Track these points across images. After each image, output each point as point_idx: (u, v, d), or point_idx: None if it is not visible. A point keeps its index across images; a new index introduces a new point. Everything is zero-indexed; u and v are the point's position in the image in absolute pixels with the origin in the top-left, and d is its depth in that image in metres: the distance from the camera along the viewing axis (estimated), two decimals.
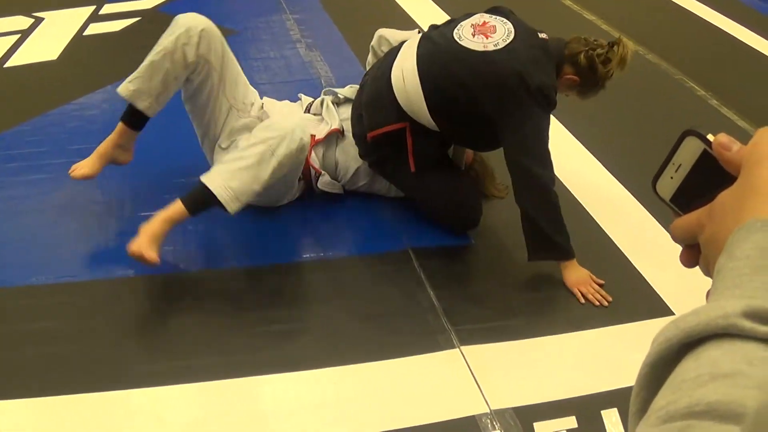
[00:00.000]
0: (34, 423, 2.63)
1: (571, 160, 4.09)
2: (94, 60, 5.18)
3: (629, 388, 0.67)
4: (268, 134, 3.29)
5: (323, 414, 2.71)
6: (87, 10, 5.86)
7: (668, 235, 0.85)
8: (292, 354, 2.93)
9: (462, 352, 2.94)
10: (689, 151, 0.85)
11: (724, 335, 0.62)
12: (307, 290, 3.32)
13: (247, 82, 3.76)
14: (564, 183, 3.78)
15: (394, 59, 3.52)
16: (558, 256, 3.35)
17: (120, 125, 3.58)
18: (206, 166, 3.70)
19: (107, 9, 5.93)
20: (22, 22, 5.59)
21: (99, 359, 2.87)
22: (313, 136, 3.64)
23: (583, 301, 3.24)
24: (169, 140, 4.08)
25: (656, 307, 3.21)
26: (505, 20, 3.42)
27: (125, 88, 3.50)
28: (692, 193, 0.84)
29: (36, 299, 3.12)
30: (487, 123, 3.36)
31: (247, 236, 3.58)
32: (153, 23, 5.68)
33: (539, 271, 3.40)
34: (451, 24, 3.52)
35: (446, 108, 3.40)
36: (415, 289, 3.27)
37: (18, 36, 5.36)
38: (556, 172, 3.34)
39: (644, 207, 3.73)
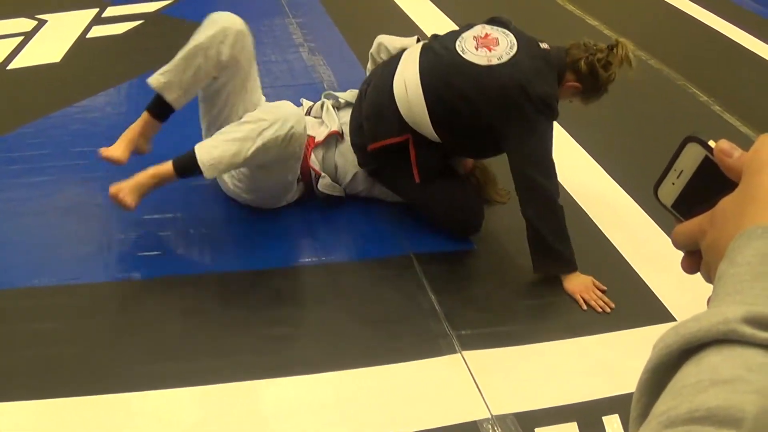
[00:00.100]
0: (35, 425, 2.63)
1: (574, 165, 4.09)
2: (97, 62, 5.18)
3: (630, 394, 0.67)
4: (262, 116, 3.34)
5: (324, 418, 2.70)
6: (90, 13, 5.86)
7: (670, 241, 0.85)
8: (293, 358, 2.93)
9: (463, 357, 2.93)
10: (691, 158, 0.85)
11: (725, 341, 0.62)
12: (309, 294, 3.32)
13: (260, 86, 3.78)
14: (566, 188, 3.78)
15: (395, 69, 3.52)
16: (562, 268, 3.35)
17: (145, 115, 3.56)
18: None
19: (110, 12, 5.93)
20: (25, 24, 5.59)
21: (100, 361, 2.87)
22: (312, 137, 3.64)
23: (585, 307, 3.24)
24: (172, 142, 4.07)
25: (658, 313, 3.21)
26: (506, 32, 3.44)
27: (156, 79, 3.50)
28: (694, 200, 0.84)
29: (37, 301, 3.12)
30: (490, 135, 3.38)
31: (249, 240, 3.58)
32: (156, 26, 5.70)
33: (541, 276, 3.39)
34: (453, 35, 3.53)
35: (449, 120, 3.41)
36: (417, 293, 3.27)
37: (21, 38, 5.36)
38: (559, 177, 3.35)
39: (646, 213, 3.73)
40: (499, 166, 3.71)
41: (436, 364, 2.92)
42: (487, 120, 3.34)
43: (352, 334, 3.06)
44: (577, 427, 2.70)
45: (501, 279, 3.44)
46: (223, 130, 3.40)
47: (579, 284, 3.31)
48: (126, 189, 3.27)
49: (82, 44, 5.37)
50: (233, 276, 3.35)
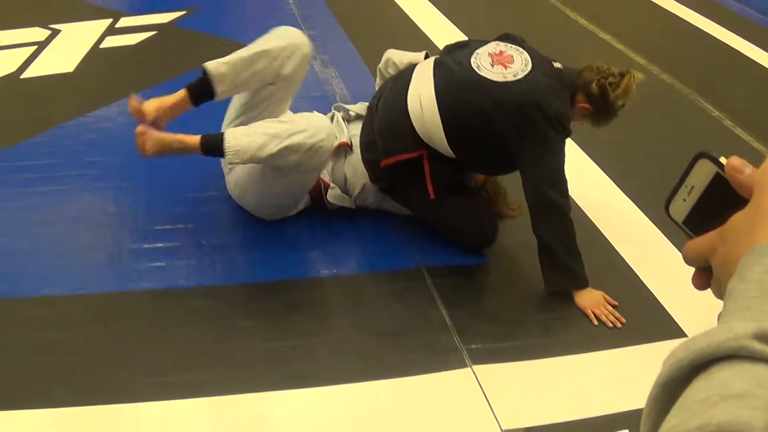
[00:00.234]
0: None
1: (585, 180, 4.09)
2: (110, 73, 5.19)
3: (641, 409, 0.67)
4: (297, 119, 3.40)
5: (333, 431, 2.70)
6: (104, 23, 5.88)
7: (681, 257, 0.85)
8: (302, 370, 2.92)
9: (474, 372, 2.93)
10: (702, 174, 0.85)
11: (735, 357, 0.62)
12: (319, 307, 3.32)
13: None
14: (578, 203, 3.77)
15: (408, 85, 3.53)
16: (574, 284, 3.34)
17: (183, 93, 3.53)
18: (219, 182, 3.72)
19: (124, 22, 5.95)
20: (39, 33, 5.61)
21: (109, 371, 2.87)
22: None
23: (596, 323, 3.23)
24: (185, 156, 4.08)
25: (668, 328, 3.20)
26: (521, 50, 3.47)
27: (216, 66, 3.49)
28: (705, 216, 0.84)
29: (47, 310, 3.12)
30: (504, 151, 3.39)
31: (260, 252, 3.58)
32: (169, 37, 5.72)
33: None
34: (466, 50, 3.55)
35: (464, 136, 3.42)
36: (427, 306, 3.26)
37: (35, 47, 5.38)
38: (571, 192, 3.35)
39: (658, 228, 3.73)
40: (509, 180, 3.71)
41: (446, 378, 2.91)
42: (502, 136, 3.35)
43: (362, 347, 3.06)
44: None
45: (512, 293, 3.44)
46: (256, 123, 3.43)
47: (590, 299, 3.30)
48: (152, 138, 3.32)
49: (96, 54, 5.39)
50: (243, 287, 3.35)
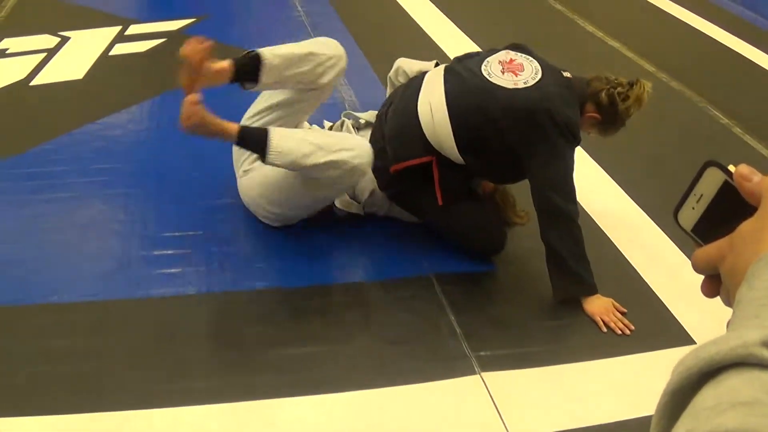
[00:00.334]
0: None
1: (594, 187, 4.09)
2: (119, 80, 5.21)
3: (649, 417, 0.67)
4: (347, 136, 3.43)
5: None
6: (113, 31, 5.90)
7: (690, 264, 0.85)
8: (310, 377, 2.92)
9: (483, 379, 2.92)
10: (710, 182, 0.85)
11: (744, 364, 0.62)
12: (328, 314, 3.31)
13: None
14: (586, 210, 3.78)
15: (418, 92, 3.53)
16: (582, 291, 3.34)
17: (229, 65, 3.40)
18: (229, 189, 3.72)
19: (133, 30, 5.97)
20: (48, 41, 5.63)
21: (118, 378, 2.87)
22: None
23: (605, 329, 3.23)
24: (195, 162, 4.09)
25: (677, 335, 3.20)
26: (530, 58, 3.49)
27: (271, 56, 3.44)
28: (713, 224, 0.84)
29: (57, 317, 3.13)
30: (513, 158, 3.39)
31: (269, 259, 3.58)
32: (178, 45, 5.69)
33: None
34: (476, 59, 3.56)
35: (474, 142, 3.42)
36: (436, 314, 3.26)
37: (44, 54, 5.40)
38: (579, 199, 3.35)
39: (667, 235, 3.72)
40: (518, 187, 3.71)
41: (455, 385, 2.91)
42: (512, 142, 3.36)
43: (371, 355, 3.06)
44: None
45: (520, 300, 3.43)
46: (299, 130, 3.43)
47: (599, 306, 3.30)
48: (198, 113, 3.26)
49: (105, 62, 5.40)
50: (252, 295, 3.35)
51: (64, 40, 5.67)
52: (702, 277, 0.85)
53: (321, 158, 3.27)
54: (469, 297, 3.41)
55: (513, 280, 3.58)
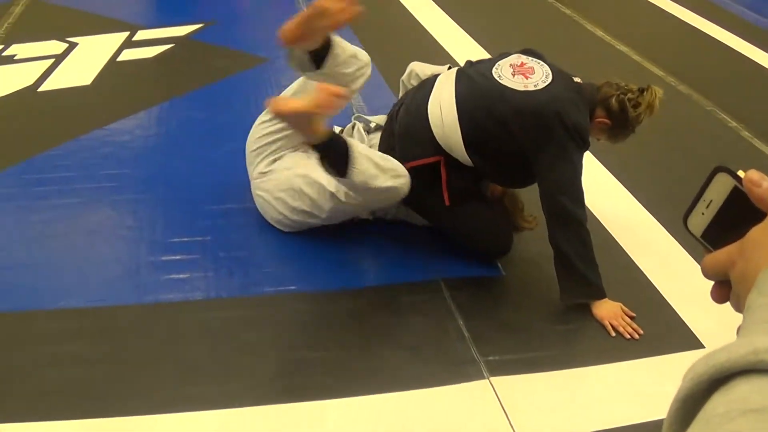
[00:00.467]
0: None
1: (603, 191, 4.09)
2: (127, 86, 5.22)
3: (660, 421, 0.67)
4: (393, 161, 3.38)
5: None
6: (121, 36, 5.91)
7: (699, 269, 0.85)
8: (319, 382, 2.92)
9: (491, 383, 2.92)
10: (720, 188, 0.85)
11: (754, 371, 0.62)
12: (336, 318, 3.31)
13: None
14: (595, 214, 3.78)
15: (429, 92, 3.54)
16: (591, 295, 3.34)
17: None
18: (239, 195, 3.72)
19: (141, 35, 5.98)
20: (56, 46, 5.65)
21: (126, 383, 2.87)
22: None
23: (614, 334, 3.22)
24: (203, 168, 4.10)
25: (687, 340, 3.19)
26: (541, 62, 3.50)
27: (340, 46, 3.48)
28: (723, 230, 0.84)
29: (64, 323, 3.12)
30: (522, 160, 3.39)
31: (277, 264, 3.58)
32: (186, 50, 5.75)
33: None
34: (488, 62, 3.58)
35: (482, 144, 3.42)
36: (445, 319, 3.26)
37: (52, 60, 5.42)
38: (588, 203, 3.35)
39: (676, 240, 3.72)
40: (526, 192, 3.71)
41: (463, 390, 2.90)
42: (520, 144, 3.36)
43: (379, 359, 3.06)
44: None
45: (529, 305, 3.43)
46: (363, 147, 3.34)
47: (607, 310, 3.29)
48: (332, 108, 3.13)
49: (113, 67, 5.42)
50: (260, 299, 3.35)
51: (72, 46, 5.69)
52: (712, 282, 0.85)
53: (383, 182, 3.28)
54: (477, 301, 3.40)
55: (521, 285, 3.58)
